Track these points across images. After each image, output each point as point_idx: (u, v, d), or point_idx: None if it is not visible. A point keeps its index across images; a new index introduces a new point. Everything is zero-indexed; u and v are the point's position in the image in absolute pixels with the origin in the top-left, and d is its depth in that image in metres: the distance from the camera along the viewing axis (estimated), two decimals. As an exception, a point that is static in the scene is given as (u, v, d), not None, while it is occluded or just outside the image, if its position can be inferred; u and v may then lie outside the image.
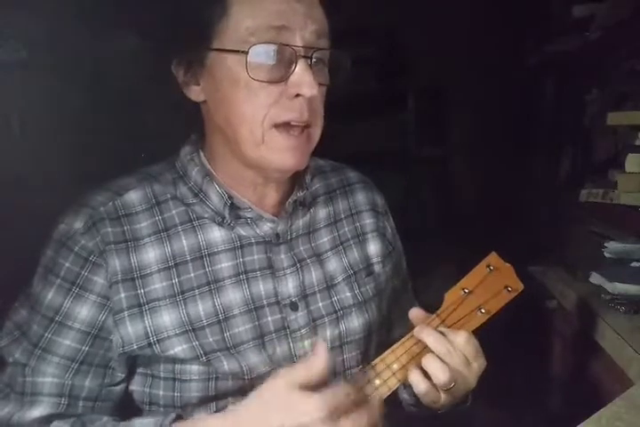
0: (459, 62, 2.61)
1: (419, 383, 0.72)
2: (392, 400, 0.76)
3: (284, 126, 0.71)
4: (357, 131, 2.73)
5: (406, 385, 0.78)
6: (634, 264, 1.27)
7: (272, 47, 0.68)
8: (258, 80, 0.68)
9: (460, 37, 2.56)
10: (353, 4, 2.47)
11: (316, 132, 0.75)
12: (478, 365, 0.75)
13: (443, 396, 0.73)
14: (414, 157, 2.88)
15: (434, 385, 0.72)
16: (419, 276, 1.00)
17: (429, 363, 0.72)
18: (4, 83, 1.54)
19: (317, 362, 0.64)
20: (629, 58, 1.58)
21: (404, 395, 0.86)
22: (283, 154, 0.71)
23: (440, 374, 0.71)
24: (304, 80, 0.68)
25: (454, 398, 0.75)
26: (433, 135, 2.90)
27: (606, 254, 1.31)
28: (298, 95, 0.69)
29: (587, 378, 1.19)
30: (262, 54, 0.68)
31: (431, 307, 0.91)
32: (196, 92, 0.74)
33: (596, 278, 1.26)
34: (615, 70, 1.69)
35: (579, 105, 1.94)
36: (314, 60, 0.70)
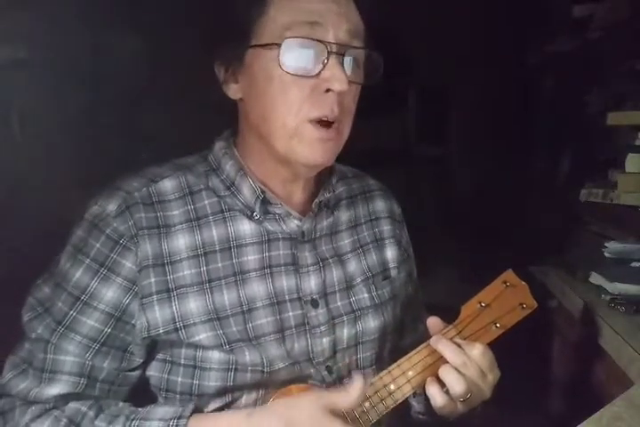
0: (459, 61, 2.60)
1: (436, 396, 0.74)
2: (399, 407, 0.77)
3: (317, 122, 0.72)
4: (357, 129, 2.72)
5: (417, 394, 0.80)
6: (634, 264, 1.26)
7: (305, 41, 0.69)
8: (290, 73, 0.70)
9: (460, 37, 2.55)
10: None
11: (345, 130, 0.76)
12: (493, 376, 0.77)
13: (459, 406, 0.75)
14: (414, 155, 2.88)
15: (450, 397, 0.74)
16: (418, 275, 1.00)
17: (446, 374, 0.74)
18: (4, 83, 1.53)
19: (353, 395, 0.65)
20: (629, 58, 1.58)
21: (414, 403, 0.87)
22: (312, 146, 0.72)
23: (456, 385, 0.73)
24: (335, 75, 0.70)
25: (469, 407, 0.77)
26: (433, 134, 2.90)
27: (606, 254, 1.31)
28: (329, 90, 0.71)
29: (587, 378, 1.19)
30: (295, 48, 0.69)
31: (432, 307, 0.91)
32: (234, 90, 0.77)
33: (595, 278, 1.26)
34: (615, 70, 1.69)
35: (579, 105, 1.94)
36: (347, 58, 0.71)
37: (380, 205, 0.92)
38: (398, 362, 0.76)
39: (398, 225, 0.93)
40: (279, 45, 0.69)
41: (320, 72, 0.70)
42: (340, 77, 0.69)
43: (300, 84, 0.71)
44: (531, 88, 2.43)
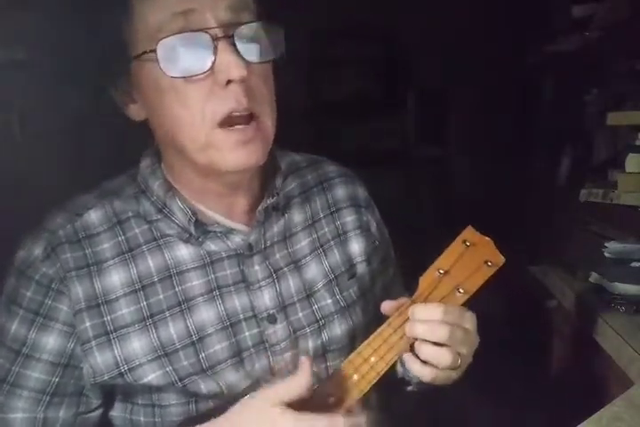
0: (459, 62, 2.61)
1: (421, 372, 0.67)
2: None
3: (227, 121, 0.63)
4: (357, 130, 2.73)
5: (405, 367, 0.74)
6: (634, 264, 1.26)
7: (182, 36, 0.60)
8: (179, 77, 0.61)
9: (460, 37, 2.55)
10: (353, 3, 2.48)
11: (267, 123, 0.67)
12: (471, 325, 0.69)
13: (453, 374, 0.69)
14: (414, 156, 2.88)
15: (436, 368, 0.67)
16: (418, 276, 0.99)
17: (424, 352, 0.66)
18: (4, 83, 1.53)
19: (302, 380, 0.61)
20: (629, 58, 1.58)
21: (409, 375, 0.81)
22: (234, 152, 0.64)
23: (442, 359, 0.66)
24: (228, 63, 0.61)
25: (466, 363, 0.71)
26: (433, 135, 2.91)
27: (606, 254, 1.31)
28: (229, 81, 0.62)
29: (587, 378, 1.19)
30: (174, 47, 0.60)
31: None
32: (135, 111, 0.69)
33: (596, 278, 1.26)
34: (615, 70, 1.69)
35: (578, 105, 1.94)
36: (238, 37, 0.62)
37: (340, 193, 0.83)
38: (358, 349, 0.69)
39: (365, 211, 0.84)
40: (153, 51, 0.60)
41: (213, 64, 0.61)
42: (236, 63, 0.60)
43: (196, 86, 0.62)
44: (530, 88, 2.43)
